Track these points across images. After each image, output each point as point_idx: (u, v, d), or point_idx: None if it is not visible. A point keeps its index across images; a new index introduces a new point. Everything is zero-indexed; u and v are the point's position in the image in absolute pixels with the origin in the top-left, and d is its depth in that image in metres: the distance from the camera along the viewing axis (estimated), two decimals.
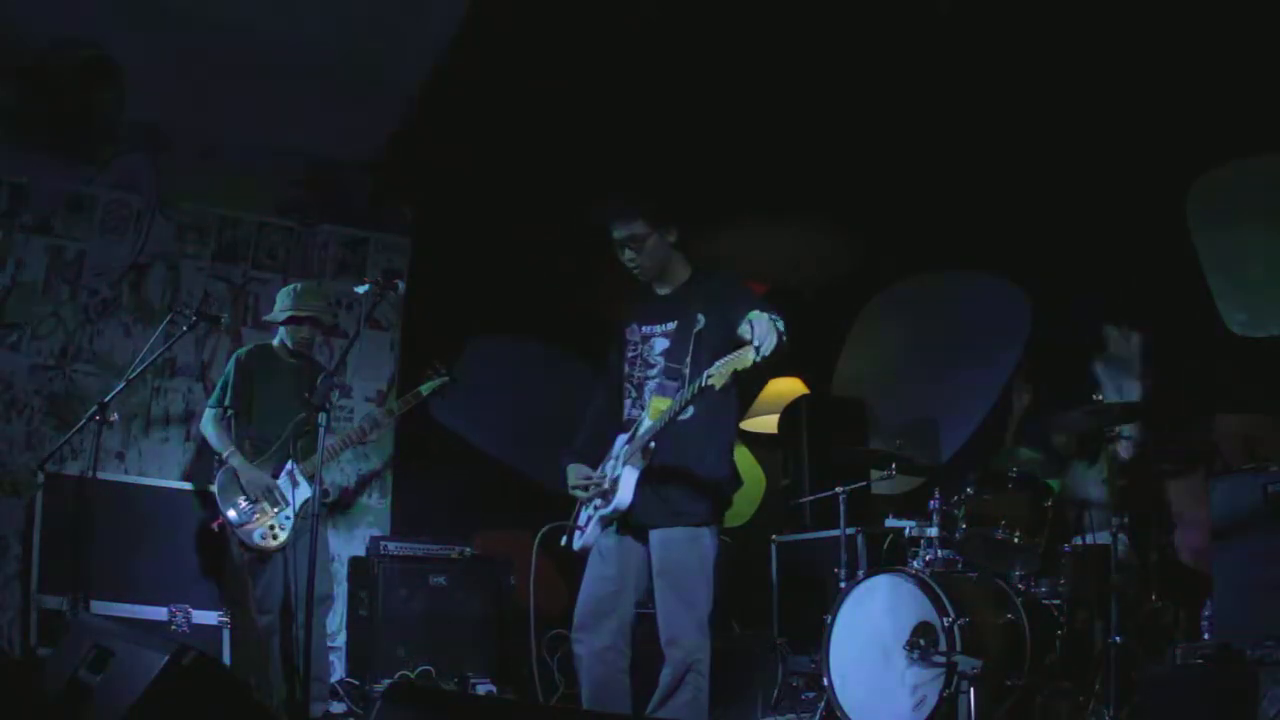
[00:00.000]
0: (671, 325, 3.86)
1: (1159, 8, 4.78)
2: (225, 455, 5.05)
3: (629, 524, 3.80)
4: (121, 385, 4.97)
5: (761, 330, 3.42)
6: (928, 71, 5.42)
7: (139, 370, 5.09)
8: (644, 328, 3.95)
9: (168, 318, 5.39)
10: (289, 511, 4.96)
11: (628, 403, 3.94)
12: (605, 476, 3.85)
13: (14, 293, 5.77)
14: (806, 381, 7.03)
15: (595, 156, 5.90)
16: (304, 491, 5.00)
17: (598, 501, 3.85)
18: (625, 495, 3.72)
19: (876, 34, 5.25)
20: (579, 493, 3.92)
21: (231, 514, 4.93)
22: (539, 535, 3.91)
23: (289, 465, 5.03)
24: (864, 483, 5.64)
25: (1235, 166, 5.34)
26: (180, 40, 5.50)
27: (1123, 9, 4.84)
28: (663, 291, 3.98)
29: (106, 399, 4.78)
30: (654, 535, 3.78)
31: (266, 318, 5.43)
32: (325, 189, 6.58)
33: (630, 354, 3.96)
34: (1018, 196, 5.94)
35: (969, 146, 5.84)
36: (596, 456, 3.98)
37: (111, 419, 4.84)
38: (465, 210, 6.69)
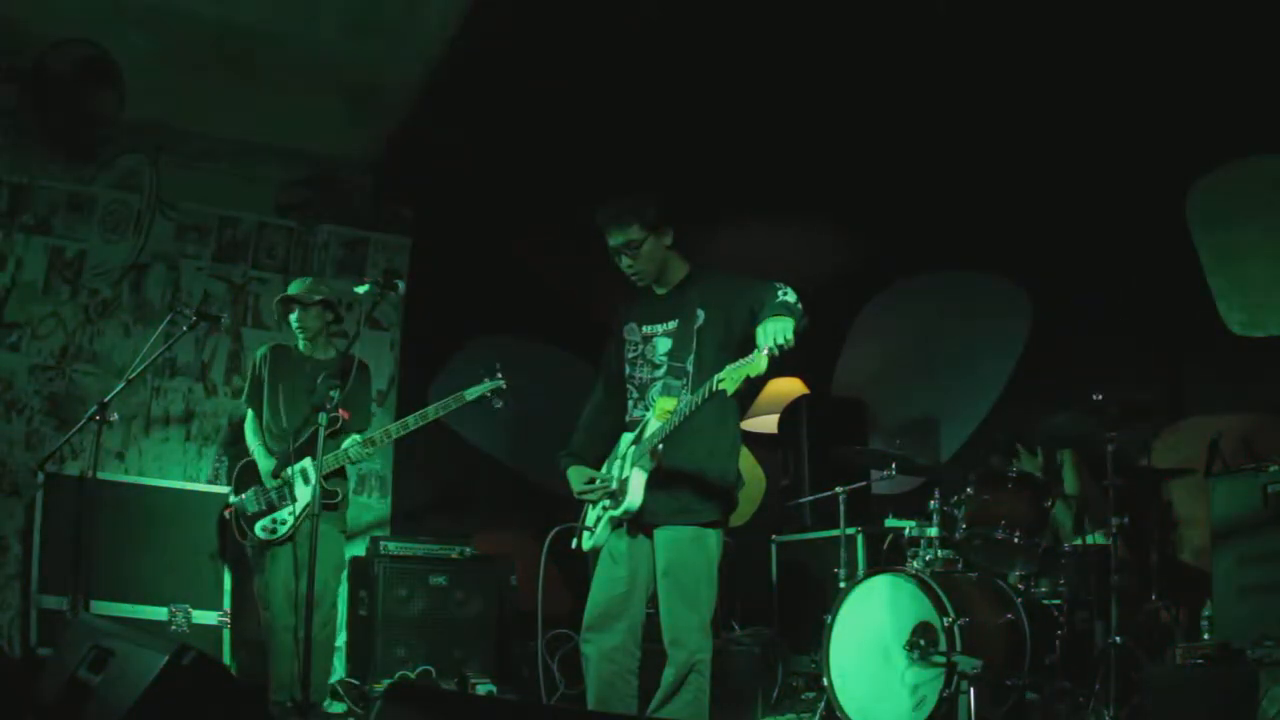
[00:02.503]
0: (673, 324, 3.85)
1: (1159, 8, 4.78)
2: (251, 449, 5.08)
3: (638, 524, 3.80)
4: (121, 385, 4.96)
5: (770, 334, 3.41)
6: (926, 71, 5.42)
7: (139, 370, 5.09)
8: (645, 327, 3.94)
9: (168, 318, 5.37)
10: (293, 508, 4.92)
11: (630, 403, 3.93)
12: (612, 478, 3.84)
13: (14, 293, 5.77)
14: (806, 381, 7.03)
15: (595, 156, 5.90)
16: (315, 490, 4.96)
17: (606, 502, 3.84)
18: (635, 497, 3.71)
19: (876, 33, 5.25)
20: (586, 496, 3.92)
21: (243, 504, 4.95)
22: (548, 538, 3.90)
23: (304, 463, 4.97)
24: (864, 483, 5.64)
25: (1235, 166, 5.34)
26: (180, 40, 5.51)
27: (1123, 9, 4.84)
28: (661, 291, 3.97)
29: (106, 399, 4.78)
30: (659, 534, 3.78)
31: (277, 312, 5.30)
32: (325, 189, 6.59)
33: (631, 354, 3.95)
34: (1018, 196, 5.94)
35: (969, 146, 5.84)
36: (594, 456, 3.97)
37: (111, 419, 4.83)
38: (465, 210, 6.69)
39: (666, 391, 3.74)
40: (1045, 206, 5.86)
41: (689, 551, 3.73)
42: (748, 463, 7.33)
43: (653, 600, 3.82)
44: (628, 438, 3.86)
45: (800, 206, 6.62)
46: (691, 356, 3.76)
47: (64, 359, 5.82)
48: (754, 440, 7.12)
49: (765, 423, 6.94)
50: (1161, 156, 5.38)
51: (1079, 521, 5.04)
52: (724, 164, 6.13)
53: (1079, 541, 4.85)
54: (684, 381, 3.73)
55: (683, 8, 5.17)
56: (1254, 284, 5.21)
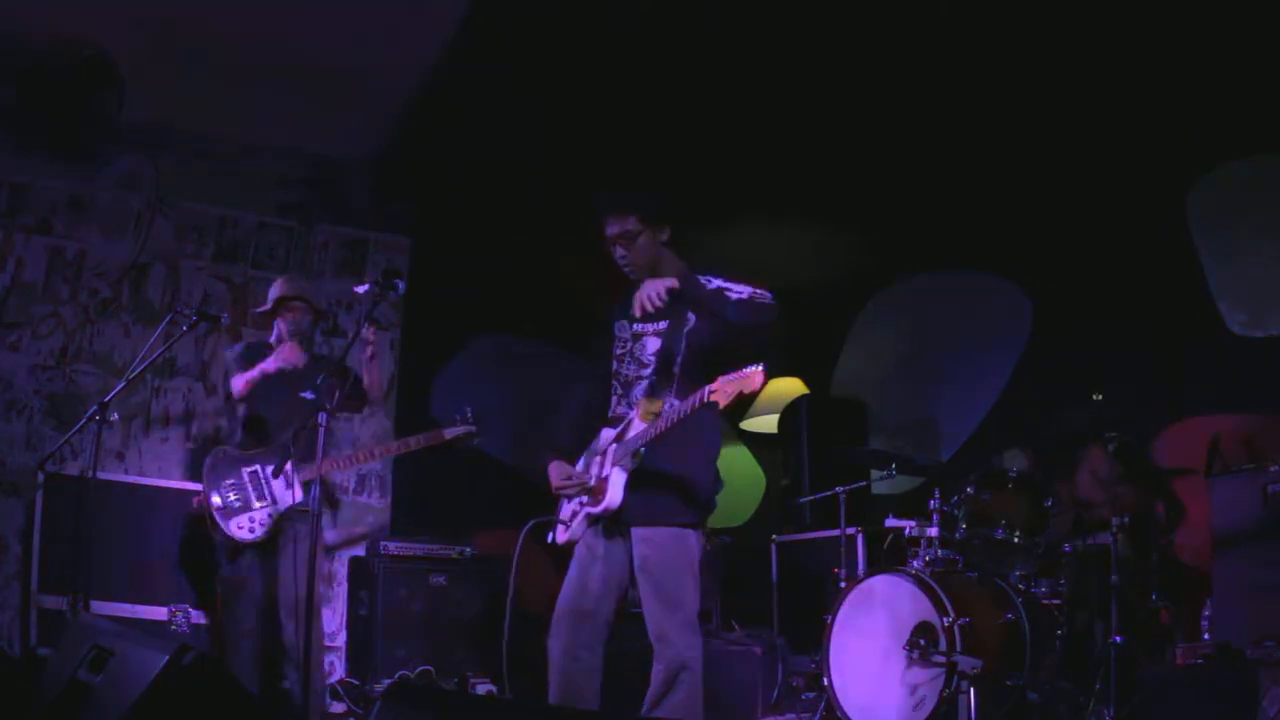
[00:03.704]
0: (663, 324, 3.84)
1: (1159, 8, 4.78)
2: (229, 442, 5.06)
3: (615, 522, 3.79)
4: (121, 385, 4.96)
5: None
6: (927, 71, 5.41)
7: (139, 370, 5.08)
8: (635, 325, 3.93)
9: (168, 318, 5.37)
10: (272, 510, 4.85)
11: (614, 399, 3.92)
12: (591, 475, 3.84)
13: (14, 293, 5.77)
14: (806, 381, 7.02)
15: (595, 156, 5.90)
16: (297, 495, 4.90)
17: (584, 498, 3.84)
18: (615, 497, 3.71)
19: (876, 33, 5.25)
20: (564, 492, 3.91)
21: (215, 498, 4.82)
22: (524, 530, 3.91)
23: (288, 466, 4.96)
24: (864, 483, 5.64)
25: (1235, 166, 5.34)
26: (180, 40, 5.51)
27: (1123, 9, 4.84)
28: None
29: (106, 399, 4.77)
30: (636, 533, 3.76)
31: (258, 309, 5.37)
32: (325, 189, 6.59)
33: (619, 350, 3.94)
34: (1018, 196, 5.94)
35: (969, 146, 5.83)
36: (576, 450, 3.96)
37: (111, 419, 4.82)
38: (465, 210, 6.69)
39: (651, 392, 3.73)
40: (1045, 206, 5.86)
41: (666, 551, 3.71)
42: (748, 462, 7.33)
43: (639, 599, 3.82)
44: (608, 434, 3.85)
45: (800, 206, 6.62)
46: (679, 359, 3.76)
47: (64, 359, 5.82)
48: (754, 440, 7.13)
49: (765, 423, 6.94)
50: (1162, 156, 5.38)
51: (1079, 521, 5.04)
52: (724, 163, 6.13)
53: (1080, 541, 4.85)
54: (670, 384, 3.73)
55: (684, 8, 5.16)
56: (1254, 284, 5.21)
